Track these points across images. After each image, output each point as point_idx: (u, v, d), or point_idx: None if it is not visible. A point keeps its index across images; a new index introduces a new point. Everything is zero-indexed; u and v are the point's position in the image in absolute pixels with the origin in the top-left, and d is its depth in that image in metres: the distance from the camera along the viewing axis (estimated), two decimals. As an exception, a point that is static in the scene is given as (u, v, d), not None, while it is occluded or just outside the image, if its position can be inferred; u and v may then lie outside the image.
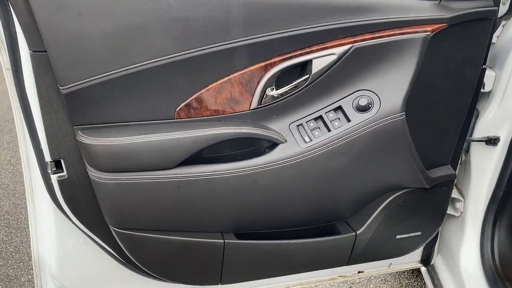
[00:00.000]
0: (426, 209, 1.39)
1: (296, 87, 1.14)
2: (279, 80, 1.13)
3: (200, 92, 1.09)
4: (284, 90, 1.13)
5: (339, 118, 1.17)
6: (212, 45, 1.04)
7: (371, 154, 1.19)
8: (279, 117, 1.18)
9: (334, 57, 1.11)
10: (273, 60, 1.09)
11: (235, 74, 1.09)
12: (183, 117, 1.11)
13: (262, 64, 1.09)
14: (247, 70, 1.09)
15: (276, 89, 1.13)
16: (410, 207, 1.36)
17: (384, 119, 1.15)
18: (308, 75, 1.12)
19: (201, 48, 1.03)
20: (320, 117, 1.18)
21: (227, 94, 1.11)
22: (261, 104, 1.14)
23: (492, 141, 1.41)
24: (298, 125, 1.18)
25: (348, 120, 1.16)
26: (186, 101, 1.10)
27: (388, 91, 1.15)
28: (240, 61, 1.08)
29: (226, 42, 1.04)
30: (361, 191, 1.28)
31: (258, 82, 1.11)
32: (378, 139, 1.17)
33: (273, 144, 1.16)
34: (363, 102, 1.15)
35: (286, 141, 1.16)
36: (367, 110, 1.15)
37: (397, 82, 1.14)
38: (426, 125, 1.27)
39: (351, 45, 1.10)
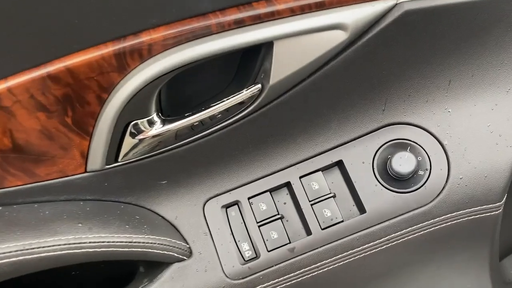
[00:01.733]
0: None
1: (228, 111, 0.39)
2: (173, 92, 0.40)
3: None
4: (193, 121, 0.39)
5: (334, 196, 0.44)
6: None
7: (406, 266, 0.51)
8: (179, 188, 0.43)
9: (341, 36, 0.37)
10: (146, 38, 0.33)
11: (17, 80, 0.32)
12: None
13: (110, 49, 0.33)
14: (58, 68, 0.32)
15: (166, 121, 0.39)
16: None
17: (457, 213, 0.44)
18: (258, 84, 0.38)
19: None
20: (287, 187, 0.45)
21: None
22: (119, 159, 0.40)
23: None
24: (227, 207, 0.45)
25: (362, 210, 0.44)
26: None
27: (470, 137, 0.44)
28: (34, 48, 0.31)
29: None
30: None
31: (103, 102, 0.35)
32: (430, 247, 0.47)
33: (157, 265, 0.43)
34: (403, 163, 0.42)
35: (191, 254, 0.43)
36: (412, 184, 0.43)
37: (502, 115, 0.43)
38: None
39: (392, 1, 0.36)
